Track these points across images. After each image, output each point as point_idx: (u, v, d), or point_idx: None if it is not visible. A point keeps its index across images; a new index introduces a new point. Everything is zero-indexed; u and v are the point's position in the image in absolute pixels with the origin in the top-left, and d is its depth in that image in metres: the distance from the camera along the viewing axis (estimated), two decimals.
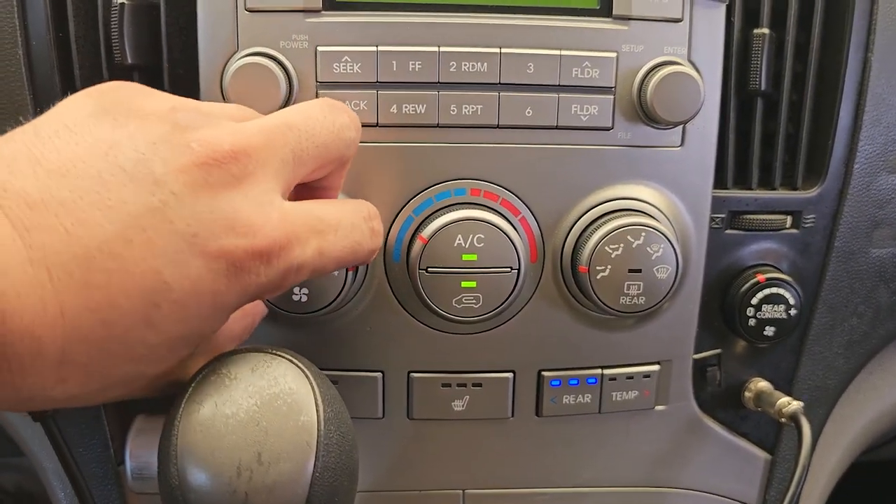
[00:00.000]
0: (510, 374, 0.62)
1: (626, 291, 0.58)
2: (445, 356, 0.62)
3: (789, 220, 0.66)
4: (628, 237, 0.57)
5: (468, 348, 0.61)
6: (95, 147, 0.38)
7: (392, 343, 0.61)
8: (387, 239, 0.58)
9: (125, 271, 0.36)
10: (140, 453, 0.44)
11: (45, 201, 0.35)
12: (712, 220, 0.63)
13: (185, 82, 0.59)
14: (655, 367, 0.64)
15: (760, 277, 0.64)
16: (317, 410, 0.42)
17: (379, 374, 0.62)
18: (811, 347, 0.70)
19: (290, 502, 0.40)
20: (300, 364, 0.44)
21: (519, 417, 0.64)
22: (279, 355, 0.44)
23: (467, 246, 0.56)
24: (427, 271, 0.56)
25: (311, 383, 0.43)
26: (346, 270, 0.55)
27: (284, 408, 0.41)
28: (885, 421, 0.81)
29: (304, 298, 0.56)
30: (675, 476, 0.69)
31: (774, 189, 0.65)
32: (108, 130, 0.39)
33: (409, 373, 0.62)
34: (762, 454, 0.72)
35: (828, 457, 0.77)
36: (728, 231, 0.65)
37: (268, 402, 0.41)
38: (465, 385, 0.62)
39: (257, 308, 0.55)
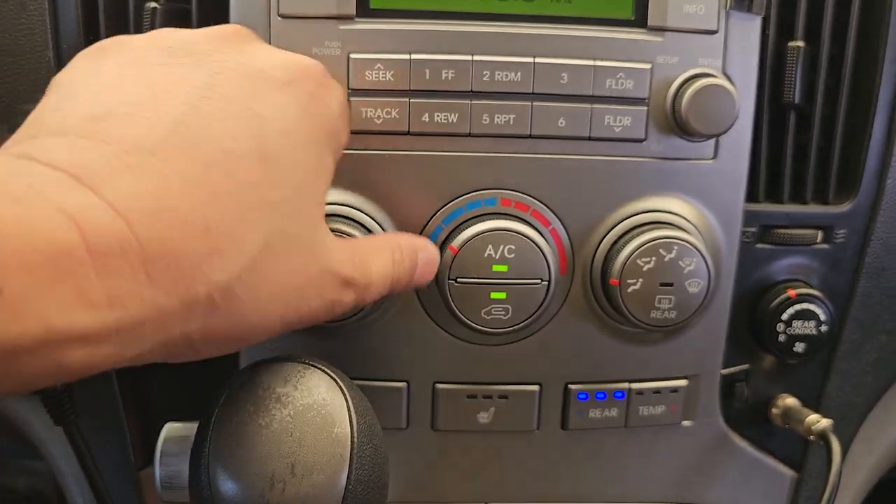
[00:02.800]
0: (536, 387, 0.62)
1: (657, 305, 0.57)
2: (471, 367, 0.61)
3: (820, 234, 0.65)
4: (661, 250, 0.56)
5: (495, 360, 0.61)
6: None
7: (418, 353, 0.60)
8: None
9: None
10: (170, 461, 0.43)
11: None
12: (743, 233, 0.62)
13: None
14: (683, 382, 0.63)
15: (791, 293, 0.63)
16: (350, 422, 0.42)
17: (404, 385, 0.61)
18: (840, 364, 0.69)
19: None
20: (334, 375, 0.44)
21: (544, 430, 0.63)
22: (313, 366, 0.44)
23: (498, 257, 0.55)
24: (456, 282, 0.56)
25: (344, 395, 0.43)
26: None
27: (318, 419, 0.41)
28: None
29: None
30: (700, 492, 0.68)
31: (806, 203, 0.65)
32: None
33: (434, 383, 0.61)
34: (789, 472, 0.71)
35: (854, 475, 0.76)
36: (759, 245, 0.65)
37: (301, 413, 0.41)
38: (490, 397, 0.61)
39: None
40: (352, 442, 0.41)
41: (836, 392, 0.70)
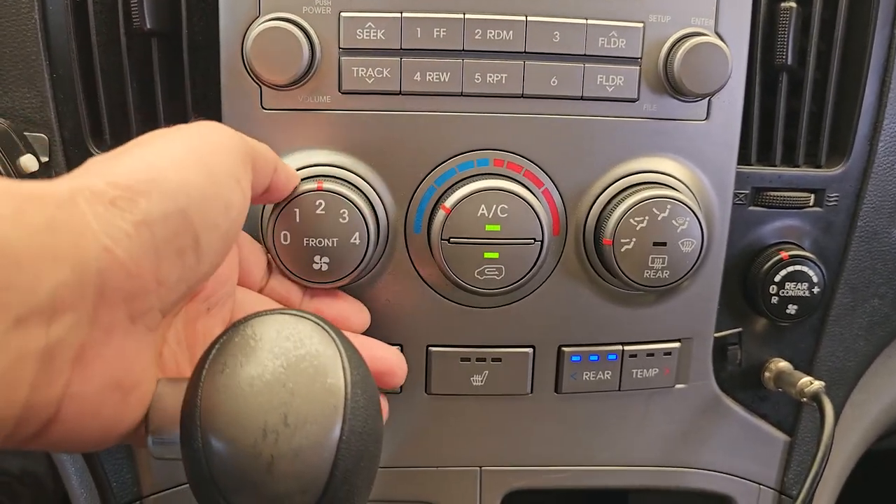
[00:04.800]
0: (530, 350, 0.62)
1: (650, 265, 0.57)
2: (465, 330, 0.61)
3: (812, 198, 0.65)
4: (654, 209, 0.56)
5: (488, 322, 0.61)
6: None
7: (411, 316, 0.60)
8: (408, 209, 0.58)
9: None
10: (161, 417, 0.43)
11: None
12: (736, 195, 0.62)
13: (204, 49, 0.58)
14: (676, 345, 0.63)
15: (784, 255, 0.63)
16: (343, 373, 0.41)
17: (397, 348, 0.61)
18: (832, 328, 0.69)
19: (317, 466, 0.39)
20: (326, 326, 0.43)
21: (538, 394, 0.63)
22: (304, 317, 0.43)
23: (490, 216, 0.55)
24: (449, 242, 0.55)
25: (337, 346, 0.42)
26: (367, 240, 0.54)
27: (311, 370, 0.41)
28: None
29: (325, 267, 0.55)
30: (693, 456, 0.68)
31: (798, 166, 0.65)
32: None
33: (427, 346, 0.61)
34: (781, 436, 0.71)
35: (845, 441, 0.76)
36: (751, 207, 0.65)
37: (294, 364, 0.40)
38: (484, 360, 0.61)
39: None
40: (345, 393, 0.41)
41: (828, 356, 0.70)
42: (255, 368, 0.40)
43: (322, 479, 0.40)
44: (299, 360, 0.41)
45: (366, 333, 0.59)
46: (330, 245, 0.54)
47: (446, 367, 0.61)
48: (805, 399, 0.64)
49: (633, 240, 0.56)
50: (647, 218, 0.56)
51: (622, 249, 0.56)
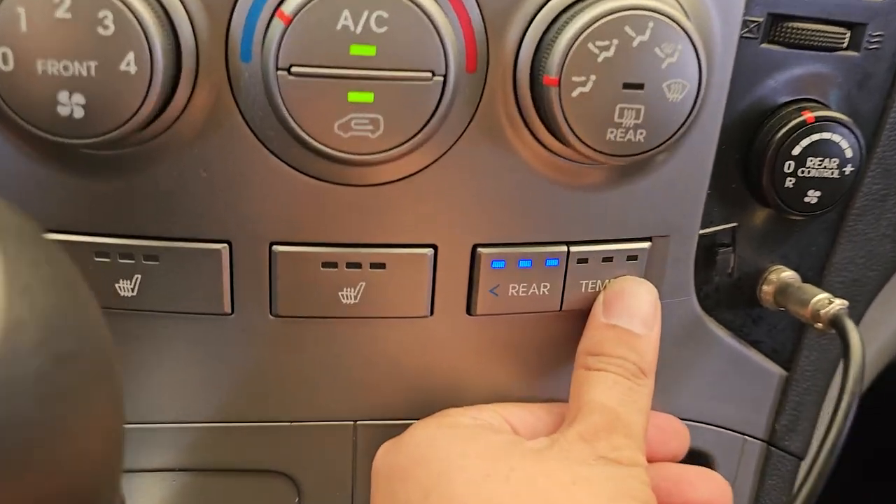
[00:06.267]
0: (429, 251, 0.41)
1: (617, 119, 0.36)
2: (328, 219, 0.40)
3: (848, 36, 0.45)
4: (626, 29, 0.35)
5: (364, 207, 0.40)
6: None
7: (242, 196, 0.39)
8: (230, 24, 0.35)
9: None
10: None
11: None
12: (745, 24, 0.42)
13: None
14: (646, 245, 0.44)
15: (808, 116, 0.43)
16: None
17: (223, 247, 0.39)
18: (854, 225, 0.51)
19: None
20: None
21: (441, 316, 0.43)
22: None
23: (359, 31, 0.33)
24: (290, 73, 0.34)
25: None
26: (150, 67, 0.32)
27: None
28: None
29: (79, 112, 0.33)
30: (660, 400, 0.49)
31: None
32: None
33: (271, 245, 0.40)
34: (776, 369, 0.53)
35: None
36: (764, 45, 0.44)
37: None
38: (359, 265, 0.40)
39: None
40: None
41: (846, 263, 0.52)
42: None
43: None
44: None
45: (168, 224, 0.38)
46: (84, 74, 0.32)
47: (300, 275, 0.40)
48: (820, 324, 0.46)
49: (593, 78, 0.35)
50: (615, 42, 0.35)
51: (574, 93, 0.35)
